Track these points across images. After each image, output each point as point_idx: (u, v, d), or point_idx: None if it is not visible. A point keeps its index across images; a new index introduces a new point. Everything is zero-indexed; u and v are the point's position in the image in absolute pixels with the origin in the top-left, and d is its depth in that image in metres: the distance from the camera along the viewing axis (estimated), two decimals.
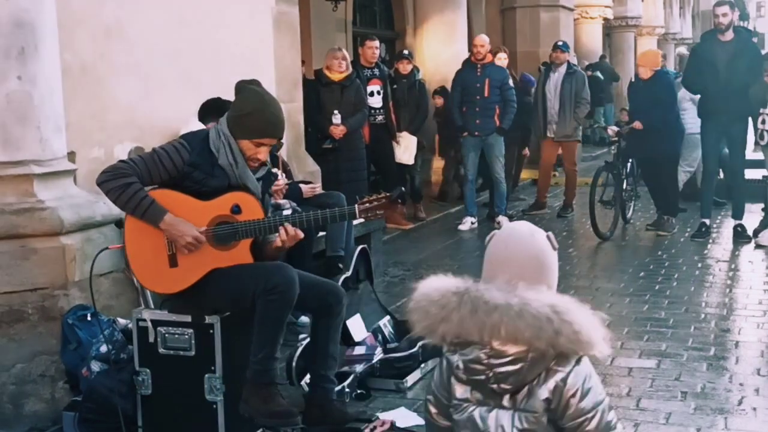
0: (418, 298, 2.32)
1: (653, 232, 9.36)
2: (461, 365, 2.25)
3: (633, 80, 10.11)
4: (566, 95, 10.35)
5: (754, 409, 4.42)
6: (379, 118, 9.42)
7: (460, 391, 2.30)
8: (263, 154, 3.89)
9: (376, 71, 9.41)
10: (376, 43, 9.52)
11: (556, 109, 10.42)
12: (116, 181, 3.73)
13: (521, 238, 2.31)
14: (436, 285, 2.30)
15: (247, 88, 3.91)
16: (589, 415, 2.19)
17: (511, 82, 9.92)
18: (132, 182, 3.73)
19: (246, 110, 3.83)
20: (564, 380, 2.19)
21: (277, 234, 3.85)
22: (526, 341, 2.14)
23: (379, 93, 9.37)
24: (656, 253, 8.45)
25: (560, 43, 10.74)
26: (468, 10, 12.86)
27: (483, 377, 2.23)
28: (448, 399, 2.34)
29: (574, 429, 2.21)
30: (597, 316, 2.19)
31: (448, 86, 10.52)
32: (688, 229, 9.23)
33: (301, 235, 3.89)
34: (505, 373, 2.20)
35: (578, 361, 2.22)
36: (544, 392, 2.20)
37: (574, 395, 2.19)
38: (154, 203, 3.75)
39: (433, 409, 2.40)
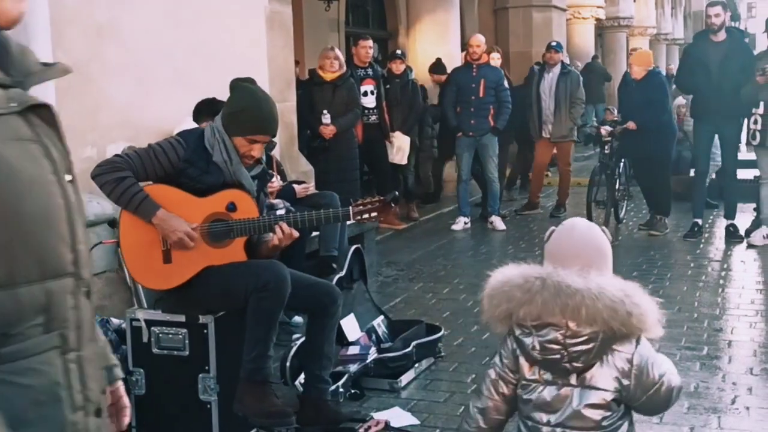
0: (498, 285, 2.49)
1: (646, 231, 9.38)
2: (538, 346, 2.45)
3: (624, 80, 10.12)
4: (561, 95, 10.36)
5: (747, 408, 4.44)
6: (373, 118, 9.41)
7: (529, 372, 2.52)
8: (257, 151, 3.90)
9: (370, 71, 9.41)
10: (370, 42, 9.51)
11: (552, 109, 10.42)
12: (110, 174, 3.74)
13: (583, 231, 2.55)
14: (517, 271, 2.49)
15: (241, 86, 3.93)
16: (657, 386, 2.46)
17: (506, 82, 9.92)
18: (126, 176, 3.74)
19: (239, 107, 3.85)
20: (630, 361, 2.44)
21: (272, 233, 3.86)
22: (603, 322, 2.37)
23: (372, 93, 9.37)
24: (649, 252, 8.47)
25: (554, 44, 10.74)
26: (460, 10, 12.87)
27: (558, 356, 2.43)
28: (515, 380, 2.56)
29: (645, 401, 2.47)
30: (654, 301, 2.45)
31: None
32: (681, 229, 9.25)
33: (297, 234, 3.89)
34: (579, 352, 2.41)
35: (638, 341, 2.46)
36: (612, 372, 2.44)
37: (641, 372, 2.44)
38: (147, 198, 3.75)
39: (497, 393, 2.58)
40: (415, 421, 4.36)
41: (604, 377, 2.44)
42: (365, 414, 4.41)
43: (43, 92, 4.40)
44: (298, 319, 5.74)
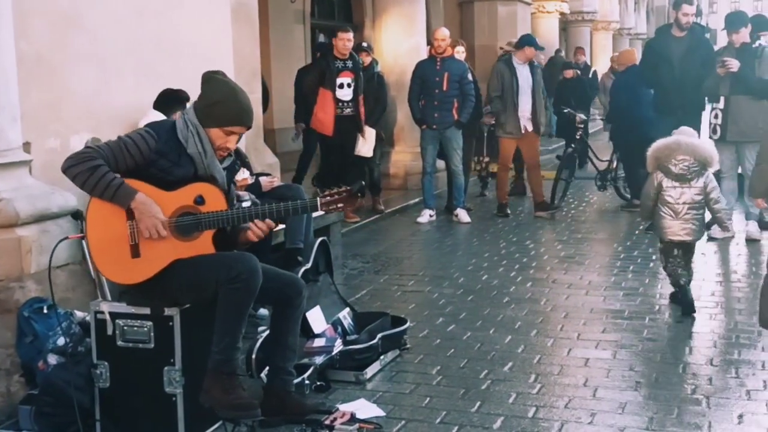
0: (652, 153, 5.95)
1: (626, 210, 10.34)
2: (680, 168, 5.81)
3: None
4: (533, 89, 10.41)
5: (707, 398, 4.51)
6: (347, 110, 9.37)
7: (668, 184, 5.89)
8: (233, 142, 3.93)
9: (349, 63, 9.33)
10: (349, 35, 9.43)
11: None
12: (83, 164, 3.69)
13: (686, 128, 6.28)
14: (663, 143, 5.93)
15: (215, 78, 3.95)
16: (714, 193, 5.92)
17: (470, 75, 9.95)
18: (99, 164, 3.70)
19: (215, 99, 3.86)
20: (708, 177, 5.86)
21: (247, 226, 3.90)
22: (702, 157, 5.82)
23: (349, 86, 9.31)
24: (612, 245, 8.57)
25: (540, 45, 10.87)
26: (426, 3, 12.90)
27: (686, 172, 5.82)
28: (657, 192, 5.93)
29: (707, 198, 5.89)
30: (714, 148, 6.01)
31: (407, 78, 10.50)
32: (643, 223, 9.34)
33: (273, 224, 3.92)
34: (694, 170, 5.83)
35: (707, 170, 5.91)
36: (701, 181, 5.85)
37: (711, 183, 5.89)
38: (124, 184, 3.73)
39: (650, 196, 5.99)
40: (380, 412, 4.38)
41: (699, 183, 5.84)
42: (331, 406, 4.42)
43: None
44: (263, 311, 5.73)
